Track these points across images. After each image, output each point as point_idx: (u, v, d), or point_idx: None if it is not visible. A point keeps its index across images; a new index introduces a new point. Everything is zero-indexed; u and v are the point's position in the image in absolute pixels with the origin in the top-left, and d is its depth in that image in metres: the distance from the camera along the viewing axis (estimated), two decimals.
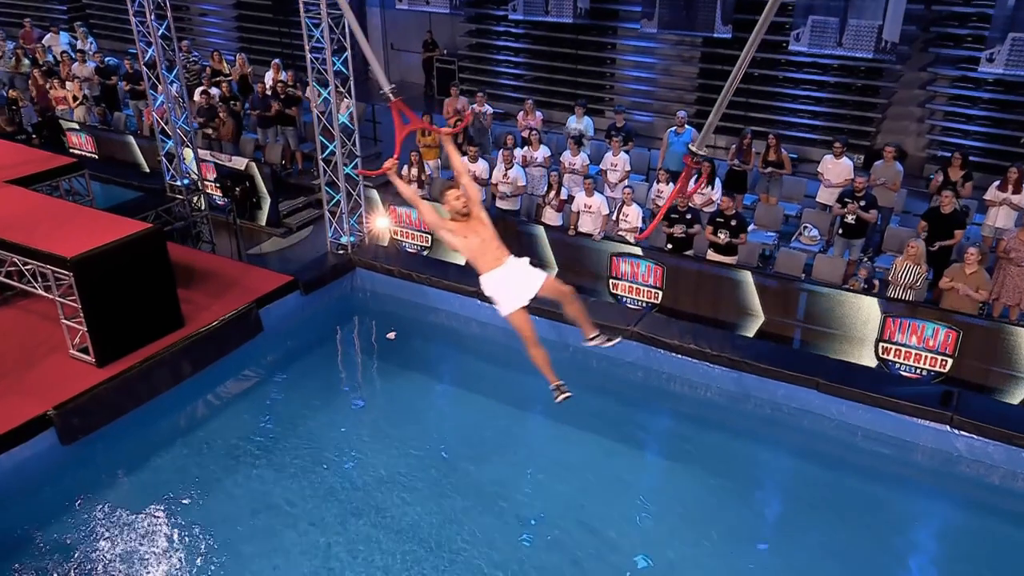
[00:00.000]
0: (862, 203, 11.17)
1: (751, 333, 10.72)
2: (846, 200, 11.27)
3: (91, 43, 18.82)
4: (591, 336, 6.97)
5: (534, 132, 13.33)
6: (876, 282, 10.53)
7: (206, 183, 13.44)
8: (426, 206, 6.87)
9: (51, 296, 9.23)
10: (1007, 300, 10.14)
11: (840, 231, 11.40)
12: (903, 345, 10.00)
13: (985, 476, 8.78)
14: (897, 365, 10.10)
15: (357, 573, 7.69)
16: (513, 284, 6.51)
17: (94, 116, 16.29)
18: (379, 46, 20.16)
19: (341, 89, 11.04)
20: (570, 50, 17.04)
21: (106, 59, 17.60)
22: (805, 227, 11.90)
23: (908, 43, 14.42)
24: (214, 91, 15.46)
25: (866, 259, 11.34)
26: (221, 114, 14.80)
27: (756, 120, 15.01)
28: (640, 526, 8.30)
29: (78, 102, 16.34)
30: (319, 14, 10.51)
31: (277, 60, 16.08)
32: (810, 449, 9.38)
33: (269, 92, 15.20)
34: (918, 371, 9.99)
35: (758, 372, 9.71)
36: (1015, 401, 9.42)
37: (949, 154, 11.88)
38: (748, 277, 10.68)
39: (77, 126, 15.97)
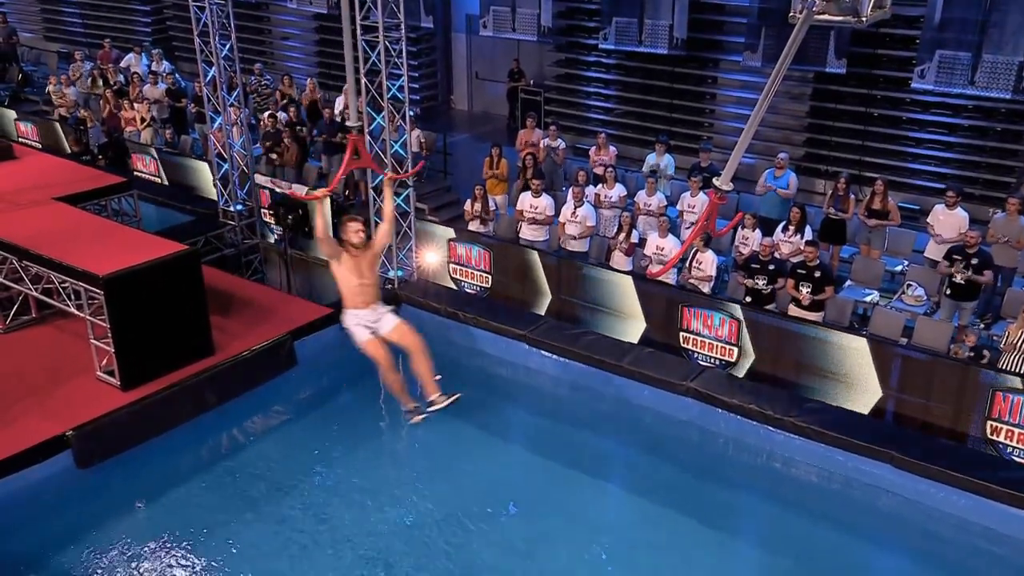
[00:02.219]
0: (974, 261, 10.99)
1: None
2: (955, 257, 11.12)
3: (165, 65, 20.32)
4: (431, 397, 8.76)
5: (609, 169, 13.66)
6: (986, 352, 10.34)
7: (262, 210, 14.29)
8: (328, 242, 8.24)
9: (83, 315, 10.06)
10: None
11: (948, 291, 11.23)
12: (1018, 425, 9.70)
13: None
14: (1009, 448, 9.81)
15: None
16: (371, 323, 8.47)
17: (161, 138, 17.57)
18: (463, 74, 21.04)
19: (396, 114, 11.62)
20: (665, 83, 17.33)
21: (178, 81, 19.04)
22: (909, 285, 11.74)
23: None
24: (281, 115, 16.45)
25: (980, 324, 11.13)
26: (285, 139, 15.75)
27: (873, 165, 14.91)
28: None
29: (145, 124, 17.69)
30: (377, 37, 11.16)
31: (346, 86, 17.01)
32: (902, 536, 9.29)
33: (338, 119, 16.08)
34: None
35: (831, 442, 9.65)
36: None
37: None
38: (833, 336, 10.64)
39: (142, 148, 17.26)
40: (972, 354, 10.28)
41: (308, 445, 10.46)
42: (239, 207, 13.93)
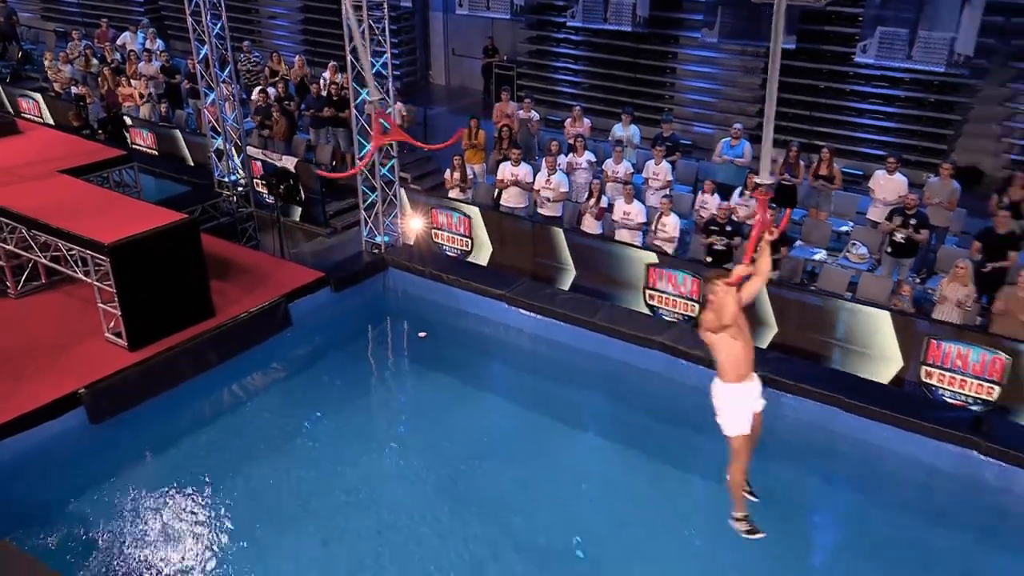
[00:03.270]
0: (912, 222, 11.10)
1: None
2: (895, 218, 11.23)
3: (159, 44, 19.93)
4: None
5: (580, 139, 13.63)
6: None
7: (255, 181, 14.13)
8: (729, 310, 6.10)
9: (90, 280, 9.93)
10: None
11: (889, 250, 11.34)
12: (949, 370, 9.85)
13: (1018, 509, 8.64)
14: (940, 391, 9.96)
15: (362, 561, 8.01)
16: (746, 403, 6.44)
17: (158, 113, 17.27)
18: (441, 51, 20.80)
19: (379, 90, 11.46)
20: (629, 58, 17.24)
21: (172, 59, 18.67)
22: (854, 244, 11.86)
23: (987, 56, 14.20)
24: (271, 91, 16.21)
25: (916, 279, 11.27)
26: (275, 113, 15.53)
27: (821, 135, 14.96)
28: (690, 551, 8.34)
29: (144, 100, 17.37)
30: (361, 16, 10.95)
31: (333, 62, 16.75)
32: (850, 471, 9.40)
33: (324, 94, 15.88)
34: (962, 398, 9.84)
35: (788, 390, 9.71)
36: None
37: (1011, 175, 11.71)
38: (788, 294, 10.73)
39: (139, 122, 16.96)
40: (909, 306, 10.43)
41: (304, 399, 10.44)
42: (233, 178, 13.75)
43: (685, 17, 16.60)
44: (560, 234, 12.30)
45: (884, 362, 10.22)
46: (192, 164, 16.00)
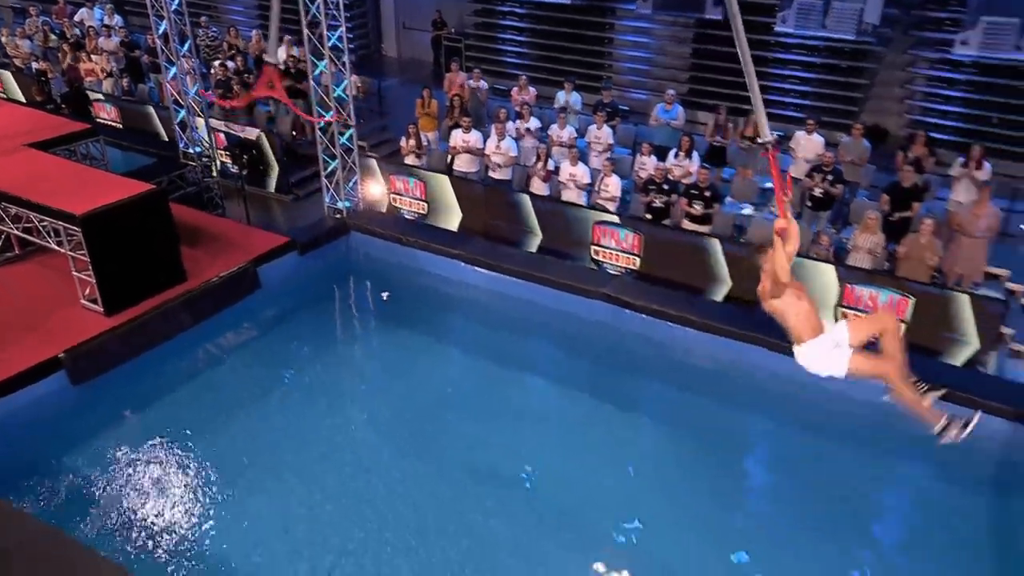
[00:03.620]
0: (829, 178, 11.29)
1: (720, 298, 10.89)
2: (814, 174, 11.40)
3: (117, 19, 19.17)
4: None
5: (526, 106, 13.54)
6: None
7: (219, 151, 13.78)
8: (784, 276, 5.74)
9: (63, 250, 9.64)
10: (960, 270, 10.25)
11: (809, 203, 11.52)
12: (861, 310, 10.06)
13: (926, 433, 8.80)
14: None
15: (340, 502, 8.03)
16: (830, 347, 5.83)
17: (120, 88, 16.67)
18: (391, 24, 20.39)
19: (337, 62, 11.23)
20: (569, 29, 17.12)
21: (132, 34, 17.99)
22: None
23: (890, 26, 14.41)
24: (230, 64, 15.74)
25: (832, 230, 11.48)
26: (235, 86, 15.10)
27: (745, 99, 15.04)
28: (621, 476, 8.47)
29: (107, 74, 16.74)
30: None
31: (289, 36, 16.31)
32: (774, 409, 9.48)
33: (281, 67, 15.46)
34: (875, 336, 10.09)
35: (722, 334, 9.88)
36: (958, 363, 9.56)
37: (929, 133, 11.95)
38: (718, 245, 10.85)
39: (102, 97, 16.37)
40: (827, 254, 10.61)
41: (275, 357, 10.35)
42: (198, 149, 13.39)
43: None
44: (511, 196, 12.27)
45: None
46: (157, 137, 15.51)
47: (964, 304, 9.53)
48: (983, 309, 9.56)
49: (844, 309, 10.19)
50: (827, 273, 10.19)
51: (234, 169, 13.71)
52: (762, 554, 7.55)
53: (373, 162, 12.98)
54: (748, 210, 12.06)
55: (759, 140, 6.17)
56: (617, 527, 7.80)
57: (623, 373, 10.21)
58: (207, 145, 13.44)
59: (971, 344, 9.62)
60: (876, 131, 13.86)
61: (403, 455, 8.64)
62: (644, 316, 10.25)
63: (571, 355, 10.47)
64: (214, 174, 13.51)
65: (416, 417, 9.26)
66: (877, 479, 8.80)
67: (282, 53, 15.96)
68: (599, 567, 7.48)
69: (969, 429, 5.67)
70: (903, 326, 9.67)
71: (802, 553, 7.55)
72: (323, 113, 11.60)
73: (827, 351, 5.77)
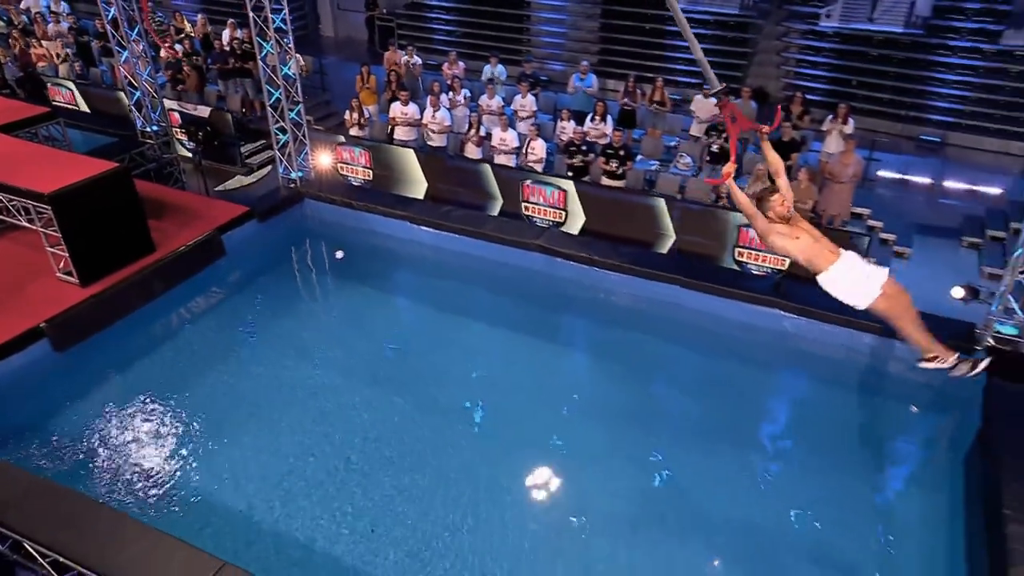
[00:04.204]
0: (724, 135, 11.47)
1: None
2: (711, 132, 11.58)
3: (64, 6, 17.98)
4: (927, 357, 5.67)
5: (456, 79, 13.32)
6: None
7: (175, 129, 13.19)
8: (759, 218, 5.55)
9: (35, 228, 9.15)
10: (832, 211, 10.64)
11: (707, 158, 11.72)
12: (754, 249, 10.39)
13: (806, 349, 9.25)
14: (749, 265, 10.52)
15: (311, 438, 7.96)
16: (857, 274, 5.37)
17: (74, 72, 15.71)
18: (327, 6, 19.66)
19: (282, 43, 10.79)
20: (491, 8, 16.82)
21: (80, 19, 16.90)
22: (681, 155, 12.19)
23: (768, 2, 14.63)
24: (179, 47, 14.99)
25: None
26: (185, 68, 14.42)
27: (649, 67, 15.14)
28: (554, 403, 8.56)
29: (61, 59, 15.73)
30: None
31: (232, 20, 15.60)
32: (678, 335, 9.68)
33: (227, 48, 14.82)
34: (764, 269, 10.43)
35: (639, 275, 9.96)
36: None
37: (792, 95, 12.23)
38: (634, 198, 10.97)
39: (59, 80, 15.40)
40: (724, 201, 10.83)
41: (242, 316, 10.09)
42: (155, 128, 12.78)
43: None
44: (446, 161, 12.13)
45: (711, 248, 10.64)
46: (117, 117, 14.72)
47: (835, 239, 9.83)
48: (848, 242, 9.93)
49: (740, 249, 10.48)
50: (726, 216, 10.43)
51: (190, 145, 13.19)
52: (676, 457, 7.78)
53: (321, 135, 12.60)
54: (656, 166, 12.24)
55: (708, 91, 5.95)
56: (554, 445, 7.95)
57: (557, 313, 10.31)
58: (163, 124, 12.82)
59: None
60: (760, 93, 14.12)
61: (363, 396, 8.57)
62: (574, 263, 10.33)
63: (510, 300, 10.46)
64: (172, 151, 12.93)
65: (374, 360, 9.19)
66: (771, 391, 9.18)
67: (226, 36, 15.31)
68: (540, 479, 7.63)
69: (980, 369, 5.60)
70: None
71: (710, 451, 7.82)
72: (272, 91, 11.17)
73: (854, 281, 5.31)
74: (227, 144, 13.41)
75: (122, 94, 13.58)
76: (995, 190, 12.35)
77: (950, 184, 12.60)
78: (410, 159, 12.40)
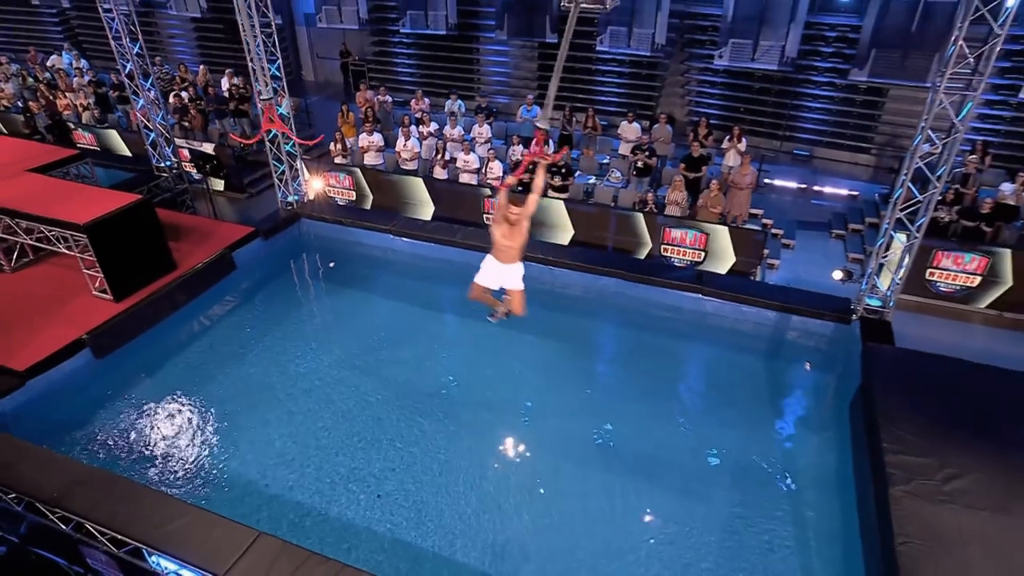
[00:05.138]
0: (647, 153, 11.64)
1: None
2: (636, 152, 11.72)
3: (84, 63, 17.11)
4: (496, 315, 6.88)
5: (425, 114, 13.16)
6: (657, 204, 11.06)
7: (184, 163, 12.71)
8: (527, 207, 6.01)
9: (73, 253, 8.73)
10: (735, 212, 10.88)
11: (634, 172, 11.87)
12: (676, 245, 10.57)
13: (722, 325, 9.49)
14: (673, 258, 10.69)
15: (322, 423, 7.83)
16: (496, 273, 6.32)
17: (94, 118, 14.97)
18: (307, 55, 19.16)
19: (277, 88, 10.48)
20: (447, 53, 16.64)
21: (98, 74, 16.11)
22: (612, 171, 12.31)
23: (672, 44, 14.81)
24: (184, 94, 14.44)
25: (651, 191, 11.89)
26: (191, 112, 13.90)
27: (580, 99, 15.19)
28: (517, 378, 8.59)
29: (85, 108, 14.96)
30: (256, 33, 9.87)
31: (230, 69, 15.10)
32: (619, 318, 9.80)
33: (226, 93, 14.34)
34: (684, 261, 10.63)
35: (587, 271, 10.02)
36: (756, 278, 10.14)
37: (698, 120, 12.44)
38: (579, 207, 11.00)
39: (81, 126, 14.65)
40: (650, 207, 10.98)
41: (254, 320, 9.84)
42: (168, 163, 12.28)
43: (482, 23, 16.11)
44: (419, 182, 11.98)
45: (641, 246, 10.78)
46: (130, 155, 14.11)
47: (739, 235, 10.14)
48: (751, 238, 10.21)
49: (664, 245, 10.62)
50: (652, 221, 10.57)
51: (198, 176, 12.74)
52: (612, 411, 7.94)
53: (313, 163, 12.30)
54: (592, 180, 12.32)
55: (537, 123, 6.29)
56: (515, 413, 7.99)
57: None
58: (174, 159, 12.32)
59: (755, 261, 10.22)
60: (671, 118, 14.33)
61: (356, 383, 8.45)
62: (532, 263, 10.27)
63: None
64: (184, 182, 12.45)
65: (365, 351, 9.07)
66: (694, 359, 9.37)
67: (225, 83, 14.80)
68: (507, 444, 7.68)
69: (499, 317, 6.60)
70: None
71: (644, 407, 7.98)
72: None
73: (489, 267, 6.22)
74: (230, 173, 13.01)
75: (133, 136, 12.98)
76: (852, 192, 12.83)
77: (818, 188, 13.04)
78: (386, 181, 12.17)
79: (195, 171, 12.67)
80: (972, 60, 7.10)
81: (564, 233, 11.13)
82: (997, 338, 9.12)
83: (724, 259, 10.34)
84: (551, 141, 12.32)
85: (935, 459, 6.27)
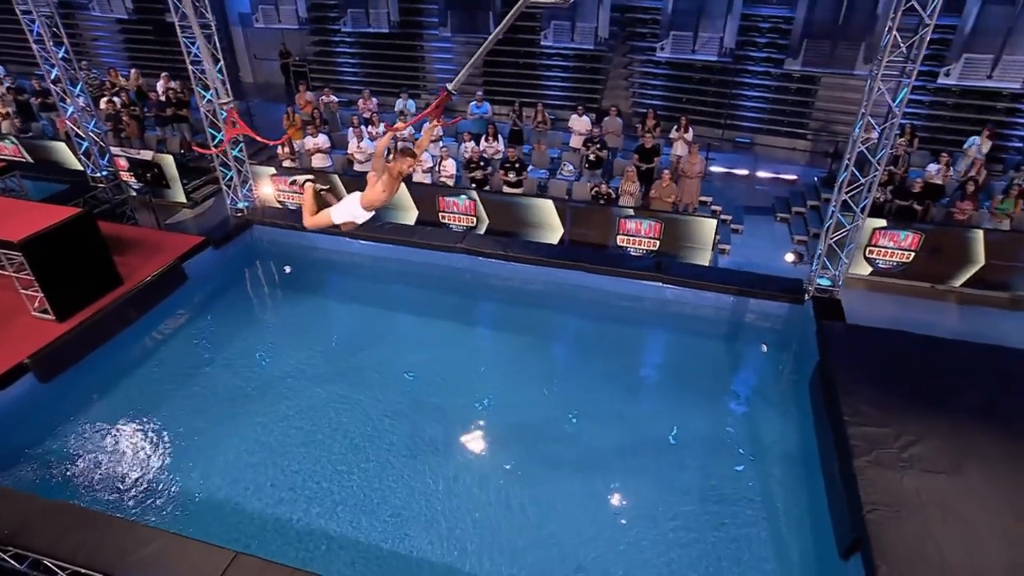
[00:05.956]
0: (598, 145, 11.72)
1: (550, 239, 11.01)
2: (588, 144, 11.78)
3: (0, 68, 15.94)
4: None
5: (375, 114, 12.86)
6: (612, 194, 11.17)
7: (121, 173, 12.02)
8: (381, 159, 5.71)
9: (8, 273, 8.12)
10: (686, 200, 11.10)
11: (587, 165, 11.93)
12: (632, 235, 10.63)
13: (681, 310, 9.66)
14: (629, 248, 10.77)
15: (291, 435, 7.56)
16: (353, 215, 5.93)
17: (15, 127, 13.97)
18: (245, 56, 18.43)
19: (221, 91, 10.02)
20: (391, 51, 16.31)
21: (17, 80, 15.03)
22: (564, 164, 12.34)
23: (615, 37, 14.96)
24: (116, 100, 13.64)
25: (604, 182, 11.99)
26: (125, 118, 13.15)
27: (526, 94, 15.16)
28: (477, 376, 8.51)
29: (5, 118, 13.92)
30: (194, 34, 9.41)
31: (165, 73, 14.36)
32: (581, 311, 9.82)
33: (163, 98, 13.64)
34: (641, 251, 10.75)
35: (547, 265, 10.01)
36: (704, 262, 10.34)
37: (646, 111, 12.60)
38: (532, 201, 10.98)
39: (2, 137, 13.65)
40: (604, 199, 11.08)
41: (210, 333, 9.41)
42: (104, 173, 11.58)
43: (425, 19, 15.88)
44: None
45: (598, 238, 10.82)
46: (63, 165, 13.22)
47: (691, 222, 10.34)
48: (702, 225, 10.44)
49: (620, 236, 10.72)
50: (607, 211, 10.63)
51: (137, 186, 12.09)
52: (570, 396, 8.03)
53: (259, 168, 11.83)
54: (544, 174, 12.32)
55: (448, 87, 6.03)
56: (478, 404, 7.96)
57: (478, 301, 10.21)
58: (111, 169, 11.64)
59: (703, 248, 10.44)
60: (618, 111, 14.50)
61: (324, 387, 8.23)
62: (492, 260, 10.25)
63: (438, 294, 10.27)
64: (123, 192, 11.76)
65: (330, 355, 8.85)
66: (656, 345, 9.51)
67: (161, 87, 14.09)
68: (468, 434, 7.64)
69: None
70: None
71: (604, 397, 8.05)
72: (215, 134, 10.36)
73: (351, 210, 5.88)
74: (172, 182, 12.37)
75: (63, 145, 12.20)
76: (792, 176, 13.30)
77: (761, 174, 13.45)
78: (342, 184, 11.84)
79: (135, 180, 12.01)
80: (904, 49, 7.43)
81: (517, 227, 11.10)
82: (932, 309, 9.63)
83: (678, 247, 10.52)
84: (500, 137, 12.21)
85: (893, 428, 6.57)
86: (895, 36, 7.33)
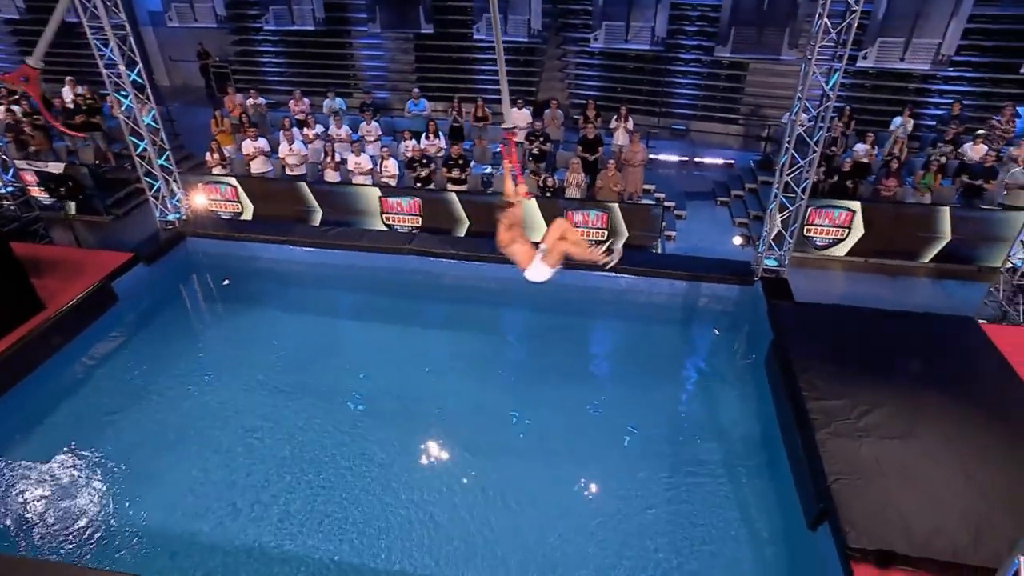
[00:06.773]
0: (541, 138, 11.66)
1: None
2: (531, 138, 11.71)
3: None
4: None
5: (309, 115, 12.34)
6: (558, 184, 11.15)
7: (30, 188, 11.04)
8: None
9: None
10: (631, 189, 11.23)
11: (531, 158, 11.86)
12: (580, 226, 10.59)
13: (635, 299, 9.70)
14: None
15: (241, 458, 7.13)
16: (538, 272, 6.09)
17: None
18: (158, 58, 17.34)
19: (140, 96, 9.36)
20: (318, 49, 15.72)
21: None
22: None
23: (548, 29, 14.96)
24: (16, 108, 12.52)
25: (549, 175, 11.96)
26: (27, 128, 12.09)
27: (462, 89, 14.95)
28: (433, 378, 8.34)
29: None
30: (106, 35, 8.72)
31: (71, 77, 13.29)
32: (534, 305, 9.67)
33: (71, 105, 12.61)
34: (590, 243, 10.76)
35: (488, 260, 9.73)
36: (657, 251, 10.48)
37: (584, 102, 12.68)
38: (479, 199, 10.82)
39: None
40: (550, 192, 11.06)
41: (147, 355, 8.72)
42: (9, 189, 10.60)
43: (352, 15, 15.38)
44: (307, 187, 11.25)
45: (543, 231, 10.76)
46: None
47: (637, 211, 10.45)
48: (648, 213, 10.56)
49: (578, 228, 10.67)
50: (553, 205, 10.59)
51: (47, 201, 11.16)
52: (522, 392, 8.00)
53: (189, 176, 11.14)
54: (488, 169, 12.17)
55: (503, 126, 6.24)
56: (430, 407, 7.81)
57: (424, 302, 9.95)
58: (17, 184, 10.66)
59: (654, 235, 10.58)
60: (558, 103, 14.48)
61: (275, 403, 7.86)
62: (441, 259, 10.04)
63: (386, 297, 9.98)
64: (33, 209, 10.81)
65: (277, 371, 8.39)
66: (611, 333, 9.55)
67: (68, 94, 13.04)
68: (424, 437, 7.50)
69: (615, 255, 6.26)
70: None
71: (563, 390, 8.01)
72: (137, 142, 9.66)
73: (538, 267, 6.03)
74: (89, 196, 11.50)
75: None
76: (728, 161, 13.70)
77: (699, 160, 13.79)
78: (273, 188, 11.33)
79: (47, 195, 11.08)
80: (835, 34, 7.71)
81: (461, 225, 10.92)
82: (866, 282, 10.12)
83: (625, 236, 10.60)
84: (441, 135, 11.98)
85: (848, 400, 6.83)
86: (826, 22, 7.59)
